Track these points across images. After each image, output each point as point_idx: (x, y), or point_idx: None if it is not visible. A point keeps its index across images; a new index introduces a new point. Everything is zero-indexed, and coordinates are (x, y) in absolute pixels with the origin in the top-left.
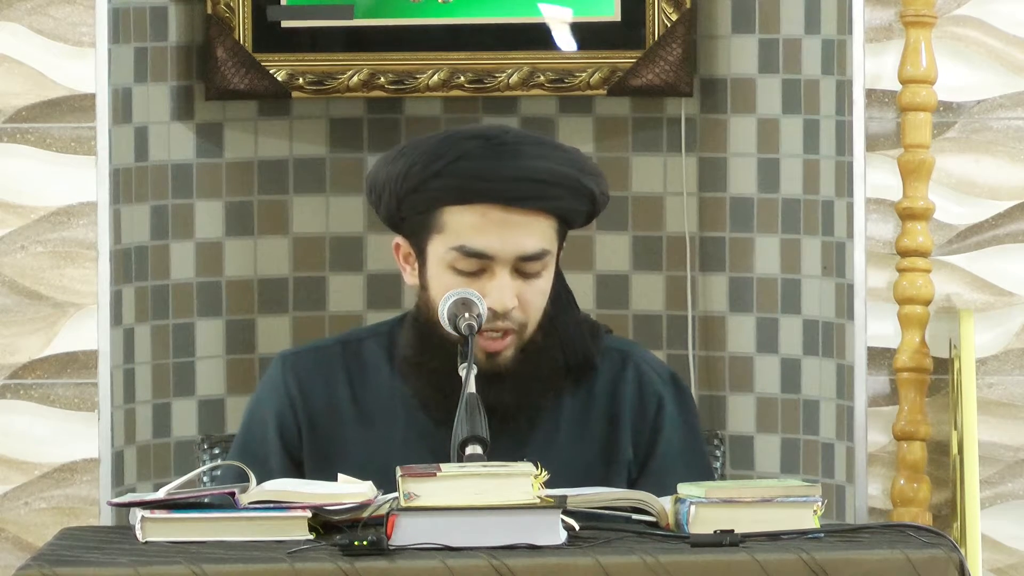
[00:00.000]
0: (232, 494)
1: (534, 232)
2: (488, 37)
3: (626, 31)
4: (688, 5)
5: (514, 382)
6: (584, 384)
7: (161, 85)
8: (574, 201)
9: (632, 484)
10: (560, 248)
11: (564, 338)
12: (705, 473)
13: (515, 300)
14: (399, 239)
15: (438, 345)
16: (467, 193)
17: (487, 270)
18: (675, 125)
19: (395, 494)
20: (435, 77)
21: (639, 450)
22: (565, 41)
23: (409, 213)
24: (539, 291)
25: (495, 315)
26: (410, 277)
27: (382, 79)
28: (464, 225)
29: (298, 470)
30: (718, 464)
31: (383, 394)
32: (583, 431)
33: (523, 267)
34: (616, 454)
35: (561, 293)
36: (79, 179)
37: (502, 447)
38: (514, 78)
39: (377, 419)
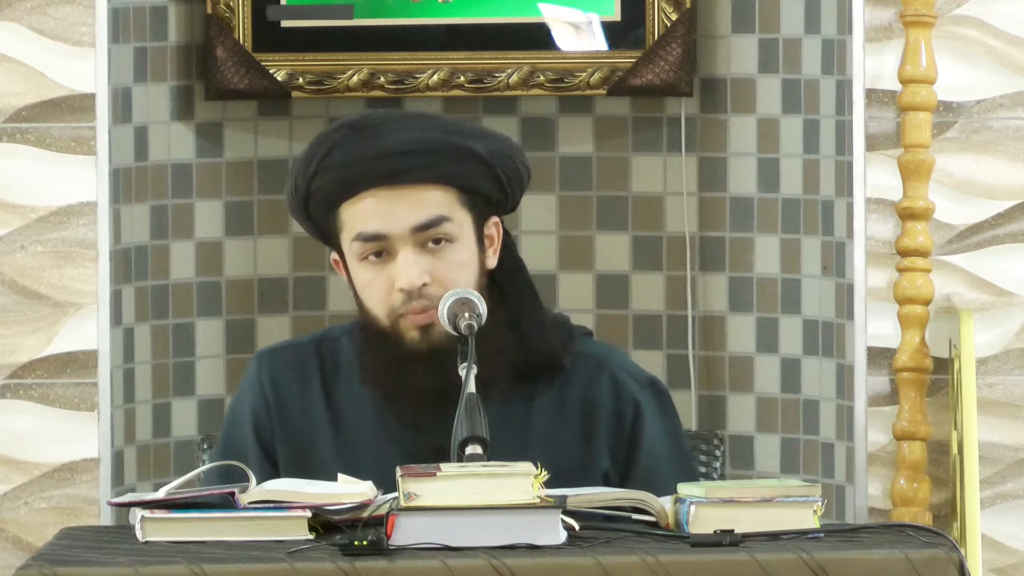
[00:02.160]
0: (232, 494)
1: (424, 203)
2: (488, 37)
3: (626, 31)
4: (688, 5)
5: (454, 361)
6: (556, 387)
7: (161, 85)
8: (455, 164)
9: (604, 474)
10: (483, 222)
11: (526, 336)
12: (690, 477)
13: (424, 276)
14: (333, 254)
15: (377, 343)
16: (348, 183)
17: (390, 252)
18: (675, 125)
19: (395, 494)
20: (435, 77)
21: (618, 458)
22: (565, 41)
23: (318, 224)
24: (455, 263)
25: (408, 296)
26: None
27: (382, 79)
28: (356, 215)
29: (275, 469)
30: (718, 464)
31: (354, 392)
32: (555, 435)
33: (425, 238)
34: (590, 463)
35: (524, 290)
36: (79, 179)
37: None
38: (514, 78)
39: (349, 418)
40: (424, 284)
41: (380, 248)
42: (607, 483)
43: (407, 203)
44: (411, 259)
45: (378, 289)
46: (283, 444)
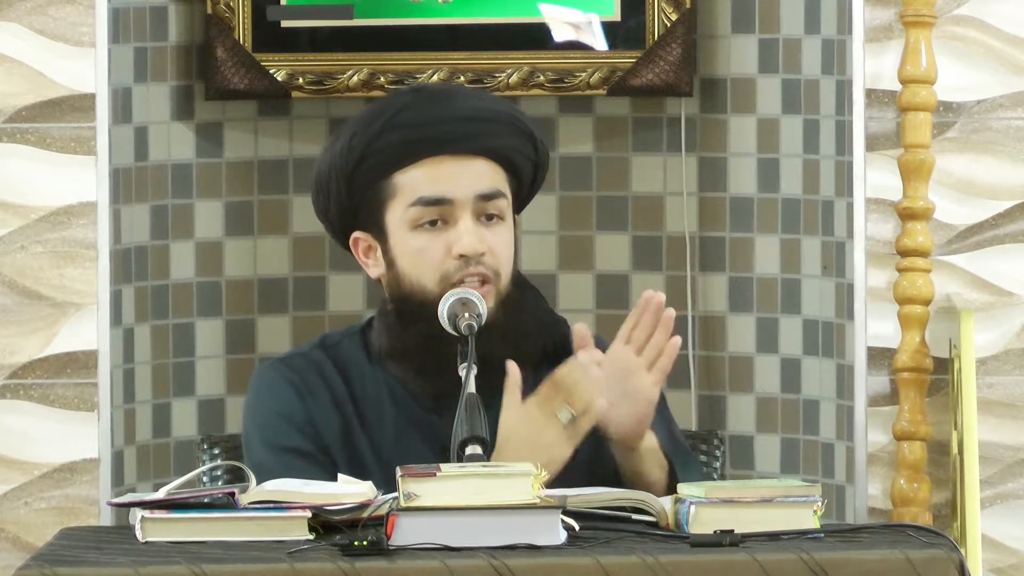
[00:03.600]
0: (232, 494)
1: (485, 173)
2: (488, 37)
3: (626, 31)
4: (688, 5)
5: (500, 333)
6: None
7: (161, 85)
8: (515, 139)
9: (615, 469)
10: (514, 211)
11: (543, 324)
12: (680, 448)
13: (483, 244)
14: (356, 233)
15: (417, 316)
16: (412, 145)
17: (449, 219)
18: (675, 125)
19: (395, 494)
20: (435, 77)
21: None
22: (565, 41)
23: (360, 194)
24: (503, 240)
25: (467, 261)
26: (374, 268)
27: (382, 79)
28: (417, 180)
29: (335, 465)
30: (718, 464)
31: (370, 392)
32: None
33: (483, 209)
34: (596, 442)
35: (525, 282)
36: (79, 179)
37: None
38: (514, 78)
39: (370, 416)
40: (482, 253)
41: (439, 215)
42: (615, 465)
43: (468, 171)
44: (471, 227)
45: (433, 256)
46: (328, 438)
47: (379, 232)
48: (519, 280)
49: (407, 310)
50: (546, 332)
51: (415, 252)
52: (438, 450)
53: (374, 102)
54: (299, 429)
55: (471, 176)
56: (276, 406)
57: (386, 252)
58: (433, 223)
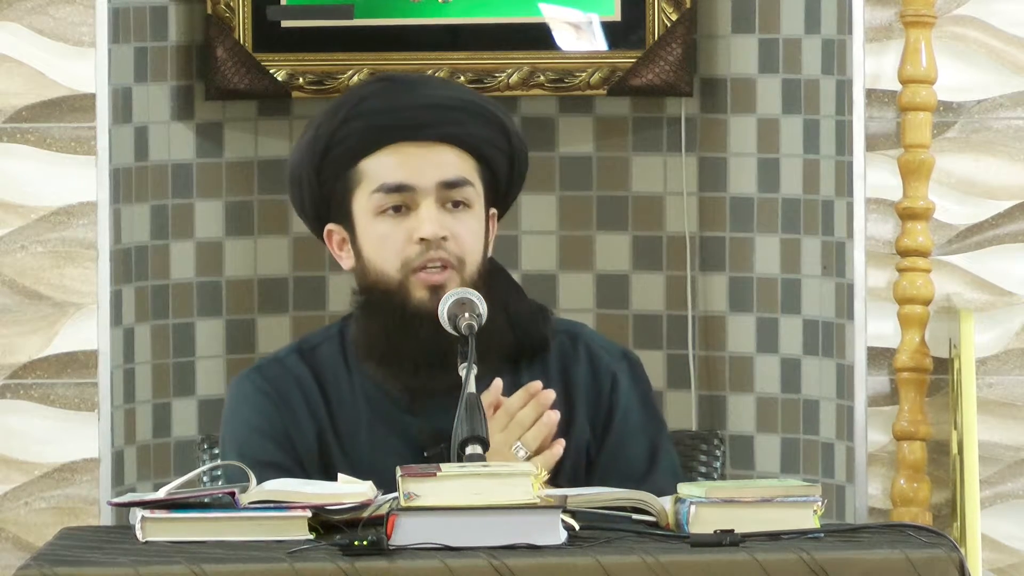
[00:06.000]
0: (232, 494)
1: (450, 161)
2: (488, 37)
3: (626, 31)
4: (688, 5)
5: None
6: (538, 363)
7: (161, 85)
8: (483, 128)
9: (592, 462)
10: (487, 206)
11: (517, 321)
12: (663, 444)
13: (444, 230)
14: (330, 225)
15: (381, 305)
16: (375, 132)
17: (412, 206)
18: (675, 125)
19: (395, 494)
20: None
21: (596, 428)
22: (565, 41)
23: (330, 184)
24: (468, 227)
25: (428, 245)
26: (346, 260)
27: None
28: (381, 167)
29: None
30: (718, 464)
31: (346, 395)
32: None
33: (448, 196)
34: (572, 435)
35: (505, 278)
36: (79, 179)
37: None
38: (514, 78)
39: (345, 422)
40: (443, 238)
41: (402, 201)
42: (588, 454)
43: (432, 159)
44: (433, 213)
45: (395, 242)
46: (302, 451)
47: (348, 222)
48: (492, 271)
49: (372, 300)
50: (519, 327)
51: (378, 239)
52: (416, 452)
53: (343, 93)
54: (275, 442)
55: (435, 163)
56: (252, 419)
57: (354, 242)
58: (397, 209)
